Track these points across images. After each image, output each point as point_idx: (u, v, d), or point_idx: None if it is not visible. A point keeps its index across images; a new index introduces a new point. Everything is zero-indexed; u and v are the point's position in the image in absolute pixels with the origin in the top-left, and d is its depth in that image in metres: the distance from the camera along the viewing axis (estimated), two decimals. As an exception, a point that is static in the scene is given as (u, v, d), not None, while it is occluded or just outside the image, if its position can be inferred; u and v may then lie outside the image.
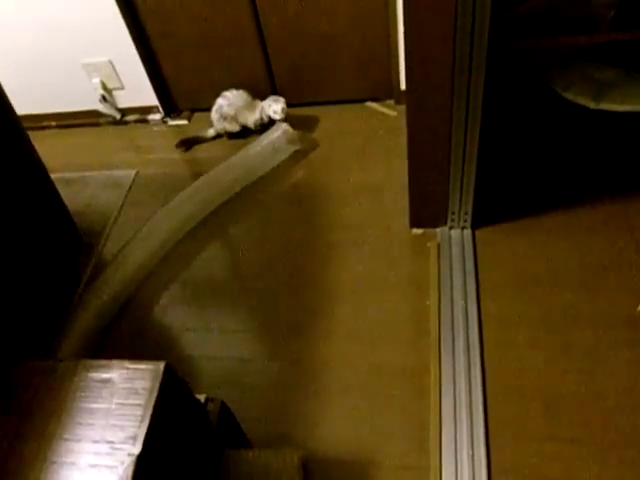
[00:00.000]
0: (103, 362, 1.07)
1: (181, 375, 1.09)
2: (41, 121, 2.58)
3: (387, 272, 1.75)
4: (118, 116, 2.56)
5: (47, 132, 2.59)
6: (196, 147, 2.38)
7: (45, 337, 1.65)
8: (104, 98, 2.47)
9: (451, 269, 1.69)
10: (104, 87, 2.44)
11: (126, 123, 2.58)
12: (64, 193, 1.93)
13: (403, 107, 1.56)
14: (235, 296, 1.82)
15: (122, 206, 2.17)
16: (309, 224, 1.97)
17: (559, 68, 2.14)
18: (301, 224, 1.98)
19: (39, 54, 2.36)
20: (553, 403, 1.38)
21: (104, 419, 0.98)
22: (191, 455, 1.13)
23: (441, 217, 1.78)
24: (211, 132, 2.36)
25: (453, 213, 1.75)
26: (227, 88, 2.29)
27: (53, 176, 1.88)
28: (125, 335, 1.74)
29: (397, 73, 2.24)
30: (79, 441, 0.97)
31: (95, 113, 2.55)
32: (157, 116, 2.55)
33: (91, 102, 2.49)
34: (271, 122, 2.25)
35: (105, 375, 1.04)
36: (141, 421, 0.96)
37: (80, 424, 0.99)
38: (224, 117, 2.29)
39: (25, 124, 1.76)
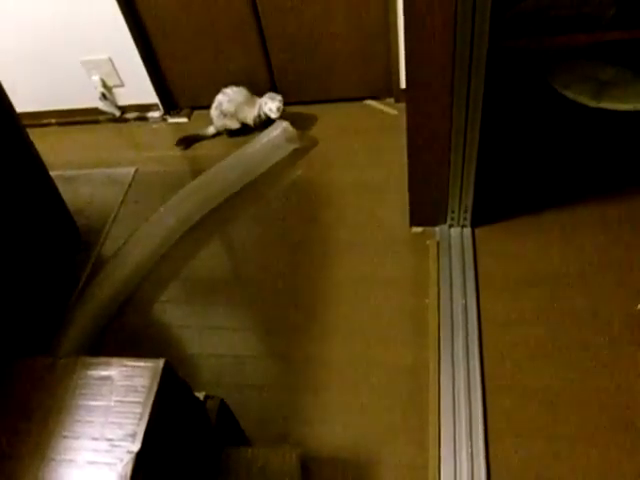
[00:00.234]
0: (102, 360, 1.07)
1: (180, 373, 1.09)
2: (41, 118, 2.58)
3: (386, 270, 1.75)
4: (118, 114, 2.56)
5: (47, 129, 2.59)
6: (196, 145, 2.38)
7: (44, 334, 1.65)
8: (104, 96, 2.47)
9: (450, 267, 1.69)
10: (104, 84, 2.44)
11: (126, 121, 2.58)
12: (64, 191, 1.92)
13: (403, 105, 1.56)
14: (234, 294, 1.82)
15: (121, 204, 2.17)
16: (308, 222, 1.97)
17: (559, 66, 2.14)
18: (300, 222, 1.98)
19: (39, 51, 2.36)
20: (552, 402, 1.38)
21: (103, 416, 0.99)
22: (190, 453, 1.13)
23: (441, 215, 1.78)
24: (211, 130, 2.36)
25: (453, 211, 1.75)
26: (227, 86, 2.29)
27: (53, 173, 1.87)
28: (125, 333, 1.74)
29: (397, 71, 2.24)
30: (78, 438, 0.97)
31: (95, 111, 2.54)
32: (157, 114, 2.54)
33: (91, 100, 2.49)
34: (270, 119, 2.25)
35: (104, 373, 1.04)
36: (140, 419, 0.96)
37: (79, 421, 0.99)
38: (224, 114, 2.28)
39: (25, 121, 1.76)
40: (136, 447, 0.93)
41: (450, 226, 1.80)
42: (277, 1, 2.14)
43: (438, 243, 1.77)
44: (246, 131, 2.32)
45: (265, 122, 2.26)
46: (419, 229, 1.83)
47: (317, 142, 2.26)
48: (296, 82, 2.39)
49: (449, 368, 1.47)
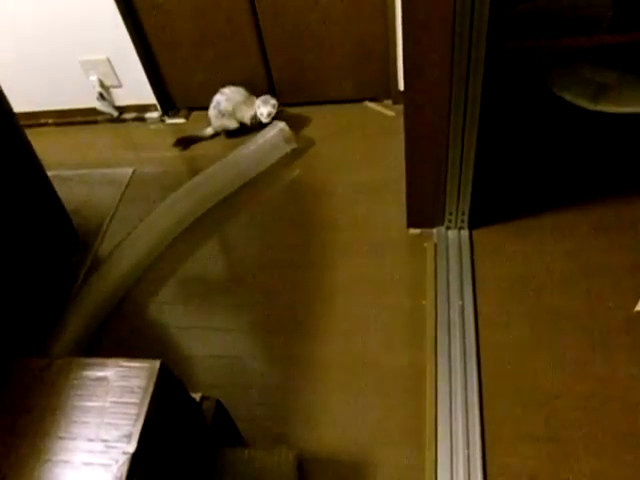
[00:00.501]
0: (98, 360, 1.07)
1: (177, 374, 1.09)
2: (38, 118, 2.57)
3: (384, 272, 1.75)
4: (115, 114, 2.56)
5: (44, 129, 2.59)
6: (194, 145, 2.37)
7: (41, 334, 1.65)
8: (102, 96, 2.47)
9: (448, 269, 1.69)
10: (102, 85, 2.44)
11: (123, 121, 2.57)
12: (61, 190, 1.92)
13: (401, 107, 1.56)
14: (231, 295, 1.82)
15: (119, 204, 2.17)
16: (305, 223, 1.97)
17: (557, 69, 2.14)
18: (297, 223, 1.98)
19: (37, 51, 2.36)
20: (549, 404, 1.38)
21: (99, 417, 0.98)
22: (186, 454, 1.13)
23: (438, 217, 1.78)
24: (209, 130, 2.36)
25: (450, 213, 1.75)
26: (225, 86, 2.29)
27: (50, 173, 1.87)
28: (121, 333, 1.74)
29: (395, 73, 2.24)
30: (74, 439, 0.97)
31: (92, 111, 2.54)
32: (155, 114, 2.54)
33: (89, 100, 2.49)
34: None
35: (100, 373, 1.04)
36: (136, 419, 0.96)
37: (75, 422, 0.99)
38: (222, 113, 2.28)
39: (22, 121, 1.75)
40: (132, 448, 0.93)
41: (447, 228, 1.80)
42: (275, 2, 2.14)
43: (435, 245, 1.77)
44: (244, 131, 2.32)
45: (261, 122, 2.26)
46: (416, 231, 1.83)
47: (314, 143, 2.26)
48: (294, 83, 2.40)
49: (446, 370, 1.47)
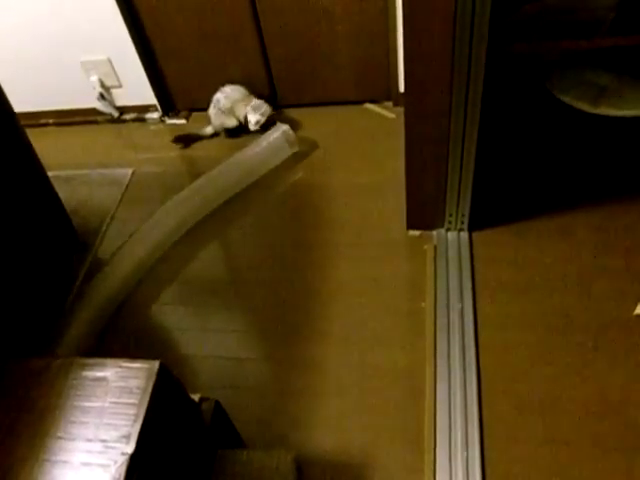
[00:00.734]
0: (97, 360, 1.07)
1: (177, 374, 1.09)
2: (39, 119, 2.57)
3: (383, 273, 1.75)
4: (116, 114, 2.56)
5: (45, 130, 2.59)
6: (194, 146, 2.38)
7: (41, 335, 1.65)
8: (102, 96, 2.47)
9: (447, 271, 1.69)
10: (102, 85, 2.44)
11: (124, 121, 2.57)
12: (61, 191, 1.92)
13: (401, 109, 1.56)
14: (232, 296, 1.82)
15: (119, 204, 2.17)
16: (307, 225, 1.97)
17: (557, 72, 2.14)
18: (299, 225, 1.98)
19: (37, 51, 2.36)
20: (549, 406, 1.38)
21: (98, 418, 0.98)
22: (184, 455, 1.13)
23: (438, 219, 1.78)
24: (209, 129, 2.36)
25: (450, 215, 1.75)
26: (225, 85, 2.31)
27: (50, 173, 1.87)
28: (122, 334, 1.74)
29: (396, 75, 2.24)
30: (72, 439, 0.97)
31: (93, 111, 2.54)
32: (155, 115, 2.54)
33: (89, 100, 2.49)
34: (268, 122, 2.25)
35: (99, 374, 1.04)
36: (135, 420, 0.96)
37: (74, 422, 0.98)
38: (222, 111, 2.29)
39: (23, 121, 1.75)
40: (130, 449, 0.93)
41: (447, 230, 1.80)
42: (277, 4, 2.14)
43: (435, 247, 1.77)
44: (244, 130, 2.32)
45: (263, 125, 2.26)
46: (416, 232, 1.83)
47: (316, 145, 2.26)
48: (295, 85, 2.40)
49: (445, 372, 1.47)
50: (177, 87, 2.49)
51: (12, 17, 2.25)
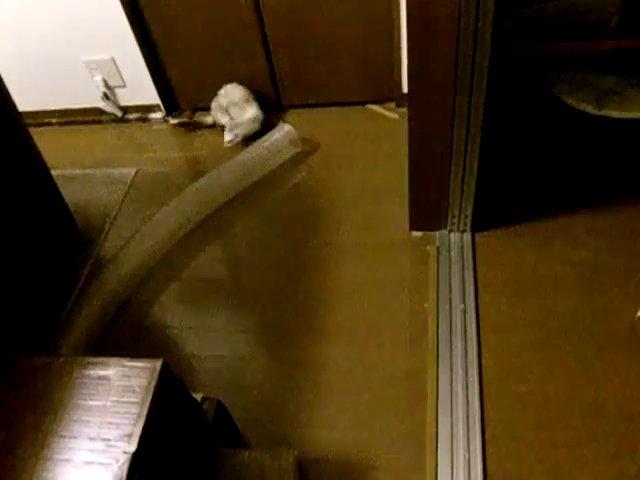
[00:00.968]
0: (100, 359, 1.07)
1: (179, 374, 1.09)
2: (43, 118, 2.58)
3: (386, 274, 1.75)
4: (120, 114, 2.56)
5: (48, 129, 2.59)
6: (196, 146, 2.38)
7: (43, 333, 1.65)
8: (106, 96, 2.47)
9: (450, 272, 1.69)
10: (106, 85, 2.44)
11: (127, 121, 2.58)
12: (64, 190, 1.93)
13: (404, 110, 1.57)
14: (234, 296, 1.82)
15: (122, 204, 2.17)
16: (309, 226, 1.97)
17: (561, 74, 2.14)
18: (301, 226, 1.98)
19: (41, 51, 2.36)
20: (551, 408, 1.38)
21: (100, 416, 0.98)
22: (186, 454, 1.13)
23: (441, 220, 1.78)
24: (209, 119, 2.39)
25: (453, 217, 1.75)
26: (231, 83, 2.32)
27: (54, 173, 1.88)
28: (124, 333, 1.74)
29: (399, 76, 2.24)
30: (75, 438, 0.97)
31: (97, 111, 2.55)
32: (158, 115, 2.55)
33: (93, 100, 2.49)
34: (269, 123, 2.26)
35: (102, 372, 1.04)
36: (137, 419, 0.96)
37: (76, 421, 0.99)
38: (220, 107, 2.31)
39: (27, 121, 1.76)
40: (132, 448, 0.93)
41: (450, 231, 1.80)
42: (281, 5, 2.15)
43: (438, 248, 1.77)
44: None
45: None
46: (419, 233, 1.83)
47: (319, 146, 2.26)
48: (298, 85, 2.40)
49: (447, 372, 1.47)
50: (181, 87, 2.50)
51: (16, 16, 2.26)
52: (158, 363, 1.03)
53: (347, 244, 1.86)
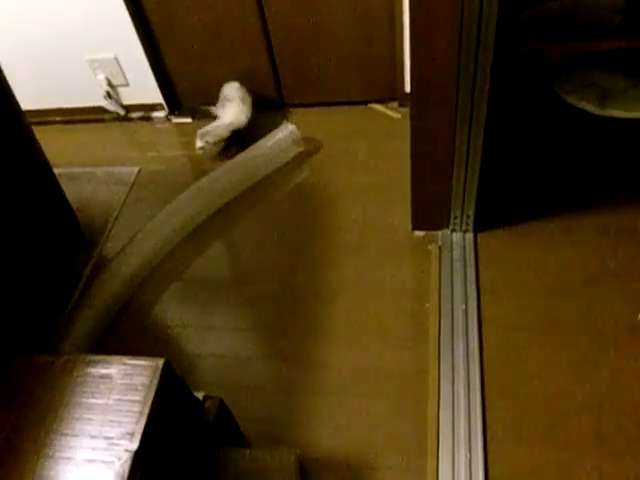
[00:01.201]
0: (102, 357, 1.07)
1: (181, 372, 1.10)
2: (46, 116, 2.58)
3: (388, 274, 1.75)
4: (122, 113, 2.57)
5: (51, 127, 2.59)
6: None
7: (45, 332, 1.66)
8: (109, 94, 2.48)
9: (452, 272, 1.69)
10: (109, 83, 2.45)
11: (130, 120, 2.58)
12: (67, 188, 1.93)
13: (407, 109, 1.56)
14: (236, 295, 1.82)
15: (124, 203, 2.17)
16: (311, 225, 1.97)
17: (564, 73, 2.14)
18: (303, 225, 1.98)
19: (44, 49, 2.36)
20: (552, 408, 1.38)
21: (102, 414, 0.99)
22: (188, 452, 1.13)
23: (443, 220, 1.78)
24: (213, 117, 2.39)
25: (455, 217, 1.75)
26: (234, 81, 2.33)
27: (56, 171, 1.88)
28: (126, 332, 1.74)
29: (401, 75, 2.24)
30: (77, 436, 0.97)
31: (99, 109, 2.55)
32: (161, 113, 2.55)
33: (96, 98, 2.50)
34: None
35: (104, 371, 1.04)
36: (139, 417, 0.96)
37: (78, 419, 0.99)
38: (221, 106, 2.32)
39: (30, 119, 1.76)
40: (134, 446, 0.93)
41: (452, 231, 1.79)
42: (283, 3, 2.15)
43: (440, 248, 1.77)
44: (247, 129, 2.32)
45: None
46: (421, 233, 1.83)
47: (321, 145, 2.26)
48: (301, 85, 2.40)
49: (449, 373, 1.47)
50: (184, 86, 2.50)
51: (19, 15, 2.26)
52: (160, 362, 1.03)
53: (349, 243, 1.86)
